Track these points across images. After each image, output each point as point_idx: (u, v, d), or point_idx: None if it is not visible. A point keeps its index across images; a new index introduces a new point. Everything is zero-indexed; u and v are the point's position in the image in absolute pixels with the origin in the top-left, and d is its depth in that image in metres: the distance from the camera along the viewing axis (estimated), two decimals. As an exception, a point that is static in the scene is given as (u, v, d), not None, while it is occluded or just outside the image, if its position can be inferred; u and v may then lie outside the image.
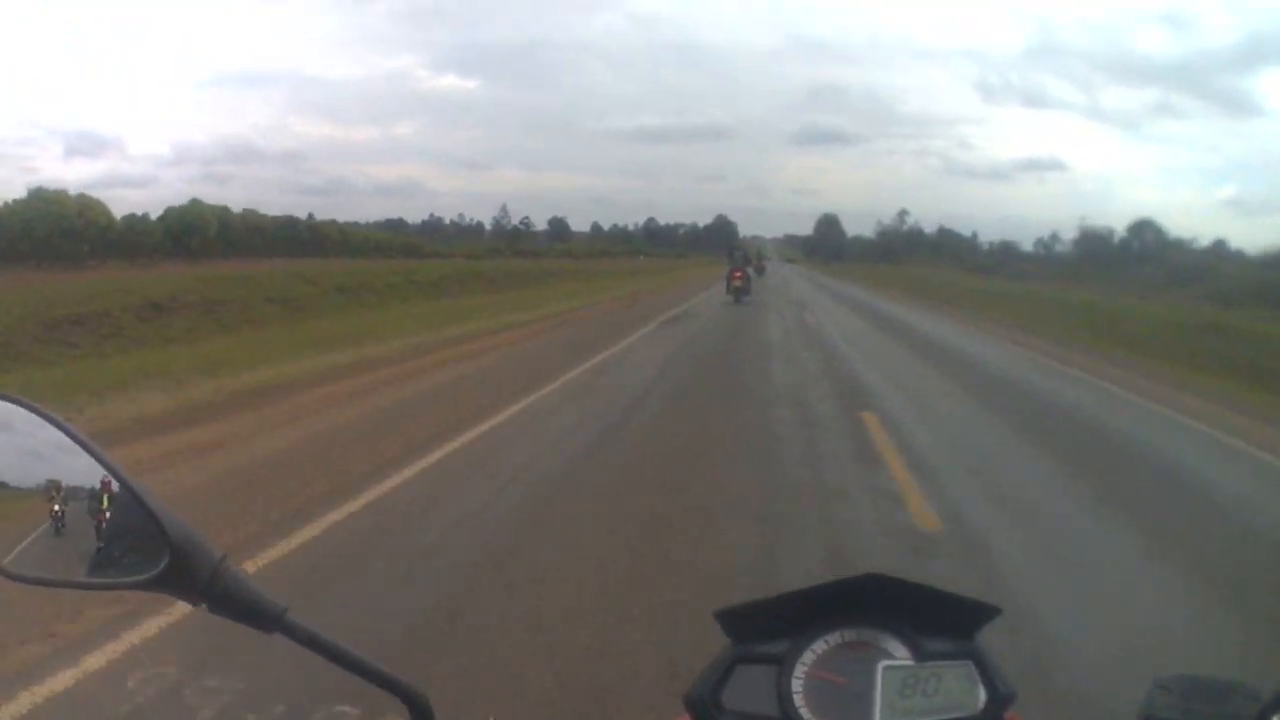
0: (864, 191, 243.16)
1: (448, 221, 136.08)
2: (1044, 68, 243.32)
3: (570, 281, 37.51)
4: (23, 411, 0.73)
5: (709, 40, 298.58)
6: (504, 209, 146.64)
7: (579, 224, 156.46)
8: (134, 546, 0.70)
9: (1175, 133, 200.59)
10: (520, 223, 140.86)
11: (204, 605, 0.69)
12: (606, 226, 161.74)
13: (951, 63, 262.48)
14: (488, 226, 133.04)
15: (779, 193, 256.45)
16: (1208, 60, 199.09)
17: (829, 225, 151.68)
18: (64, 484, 0.72)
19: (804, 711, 0.83)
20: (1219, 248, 63.06)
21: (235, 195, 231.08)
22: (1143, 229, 72.63)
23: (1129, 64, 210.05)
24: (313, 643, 0.71)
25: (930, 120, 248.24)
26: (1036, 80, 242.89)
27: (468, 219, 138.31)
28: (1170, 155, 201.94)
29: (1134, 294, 36.54)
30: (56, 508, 0.72)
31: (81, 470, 0.71)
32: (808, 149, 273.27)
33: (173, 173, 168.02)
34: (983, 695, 0.84)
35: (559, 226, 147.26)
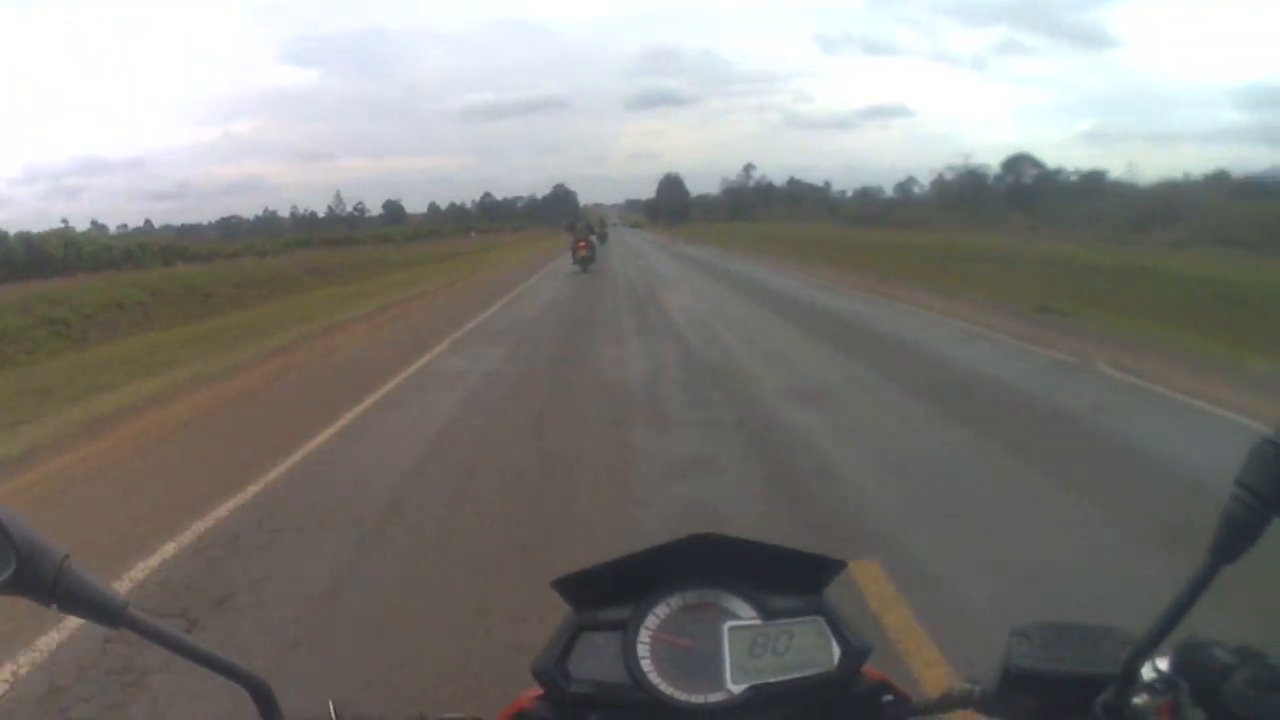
0: (706, 151, 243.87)
1: (283, 214, 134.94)
2: (884, 15, 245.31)
3: (368, 279, 28.89)
4: None
5: (541, 13, 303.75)
6: (338, 196, 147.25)
7: (418, 205, 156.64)
8: None
9: (1026, 71, 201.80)
10: (355, 208, 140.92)
11: (54, 605, 0.68)
12: (445, 206, 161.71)
13: (788, 18, 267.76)
14: (321, 215, 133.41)
15: (618, 159, 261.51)
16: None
17: (672, 186, 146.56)
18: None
19: (652, 676, 0.81)
20: (1097, 179, 59.92)
21: (84, 208, 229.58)
22: (1019, 164, 68.74)
23: (972, 4, 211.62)
24: (155, 635, 0.70)
25: (769, 76, 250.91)
26: (877, 29, 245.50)
27: (301, 209, 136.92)
28: (1023, 93, 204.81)
29: (1108, 242, 28.10)
30: None
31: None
32: (645, 113, 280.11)
33: (23, 191, 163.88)
34: (837, 650, 0.82)
35: (394, 209, 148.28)
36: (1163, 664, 0.70)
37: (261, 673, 0.72)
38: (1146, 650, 0.66)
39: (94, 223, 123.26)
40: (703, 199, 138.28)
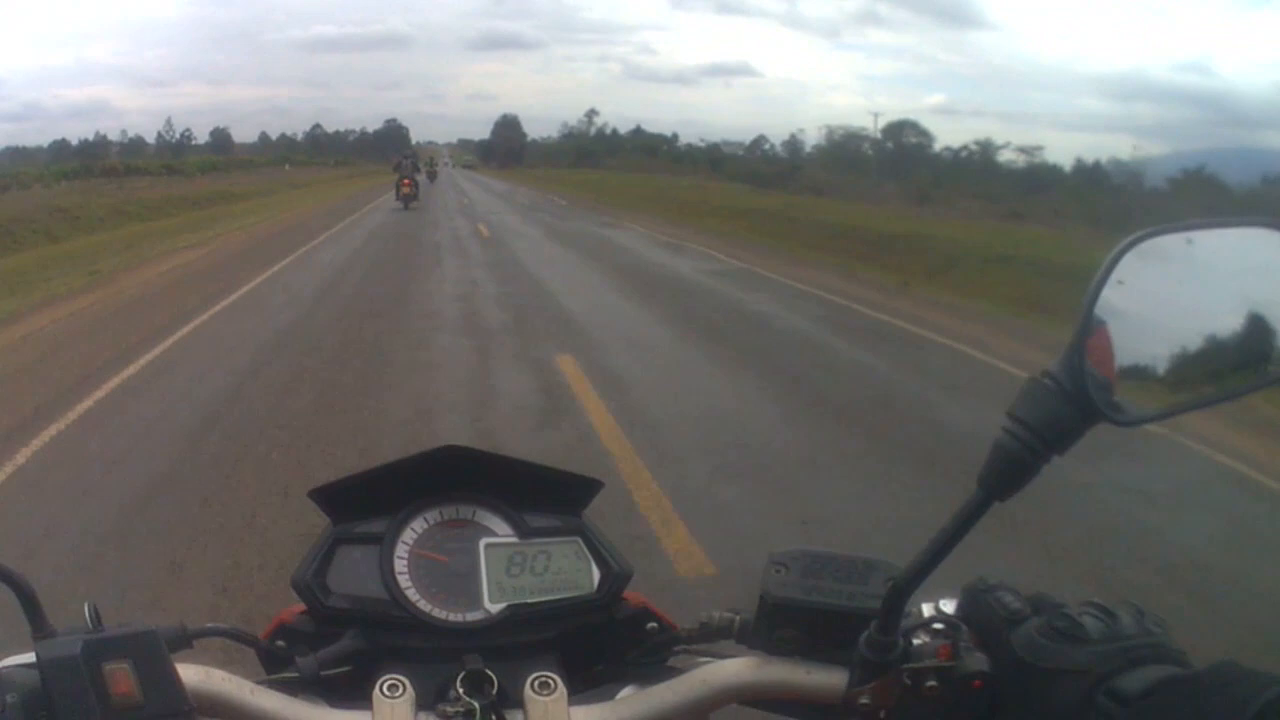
0: (545, 97, 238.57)
1: (114, 139, 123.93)
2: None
3: (128, 226, 24.07)
4: None
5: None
6: (168, 122, 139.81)
7: (249, 135, 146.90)
8: None
9: (881, 41, 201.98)
10: (182, 135, 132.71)
11: None
12: (275, 136, 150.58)
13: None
14: (150, 141, 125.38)
15: (456, 99, 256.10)
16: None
17: (508, 127, 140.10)
18: None
19: (410, 592, 0.79)
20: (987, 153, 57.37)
21: None
22: (901, 130, 66.18)
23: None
24: None
25: (615, 27, 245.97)
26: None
27: (130, 135, 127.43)
28: (875, 63, 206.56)
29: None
30: None
31: None
32: (487, 55, 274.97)
33: None
34: (597, 574, 0.81)
35: (221, 138, 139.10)
36: (948, 605, 0.69)
37: None
38: (909, 585, 0.63)
39: None
40: (541, 143, 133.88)
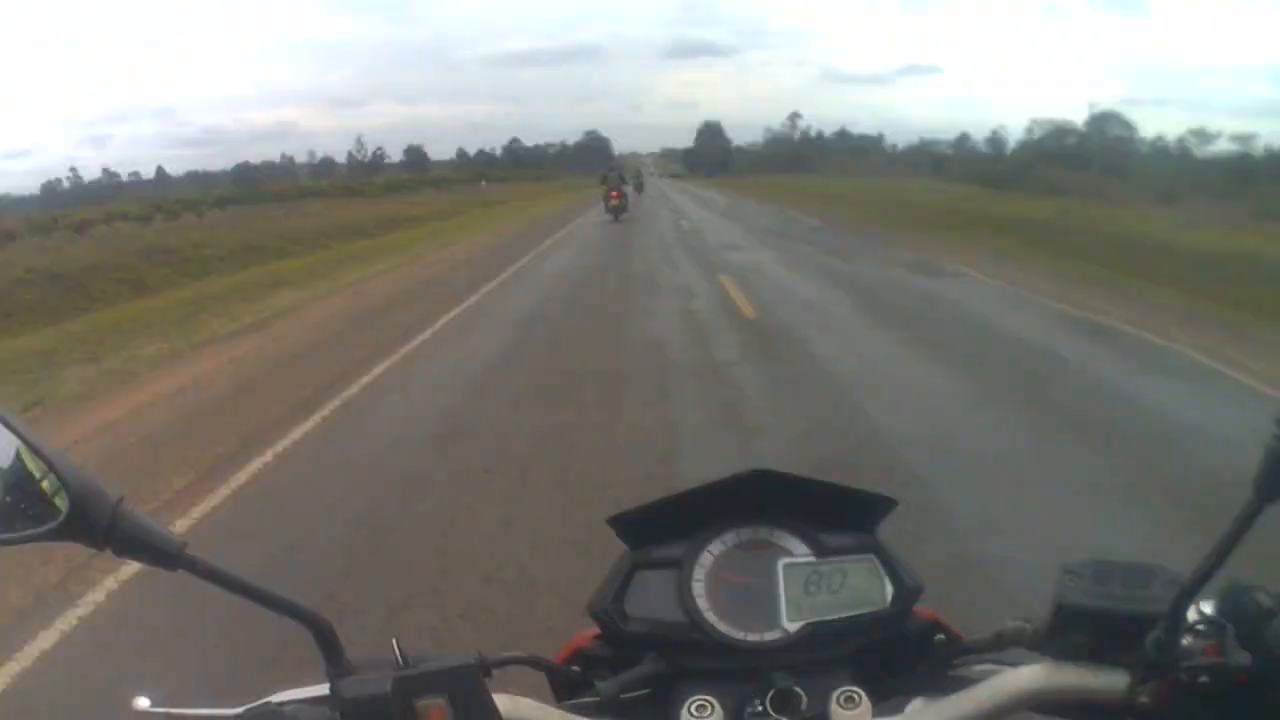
0: (745, 103, 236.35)
1: (300, 160, 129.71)
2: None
3: (238, 273, 17.95)
4: None
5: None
6: (359, 141, 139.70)
7: (445, 152, 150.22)
8: (35, 499, 0.66)
9: (1061, 34, 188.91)
10: (374, 154, 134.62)
11: (108, 550, 0.65)
12: (473, 152, 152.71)
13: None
14: (341, 161, 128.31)
15: (654, 108, 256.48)
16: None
17: (712, 134, 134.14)
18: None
19: (708, 615, 0.81)
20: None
21: (112, 156, 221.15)
22: (1105, 122, 57.74)
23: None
24: (214, 575, 0.67)
25: (805, 30, 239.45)
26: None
27: (319, 156, 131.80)
28: (1056, 56, 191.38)
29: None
30: None
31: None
32: (681, 63, 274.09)
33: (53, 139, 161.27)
34: (890, 589, 0.82)
35: (416, 156, 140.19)
36: (1206, 607, 0.70)
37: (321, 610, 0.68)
38: (1195, 588, 0.65)
39: (105, 170, 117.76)
40: (746, 149, 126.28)
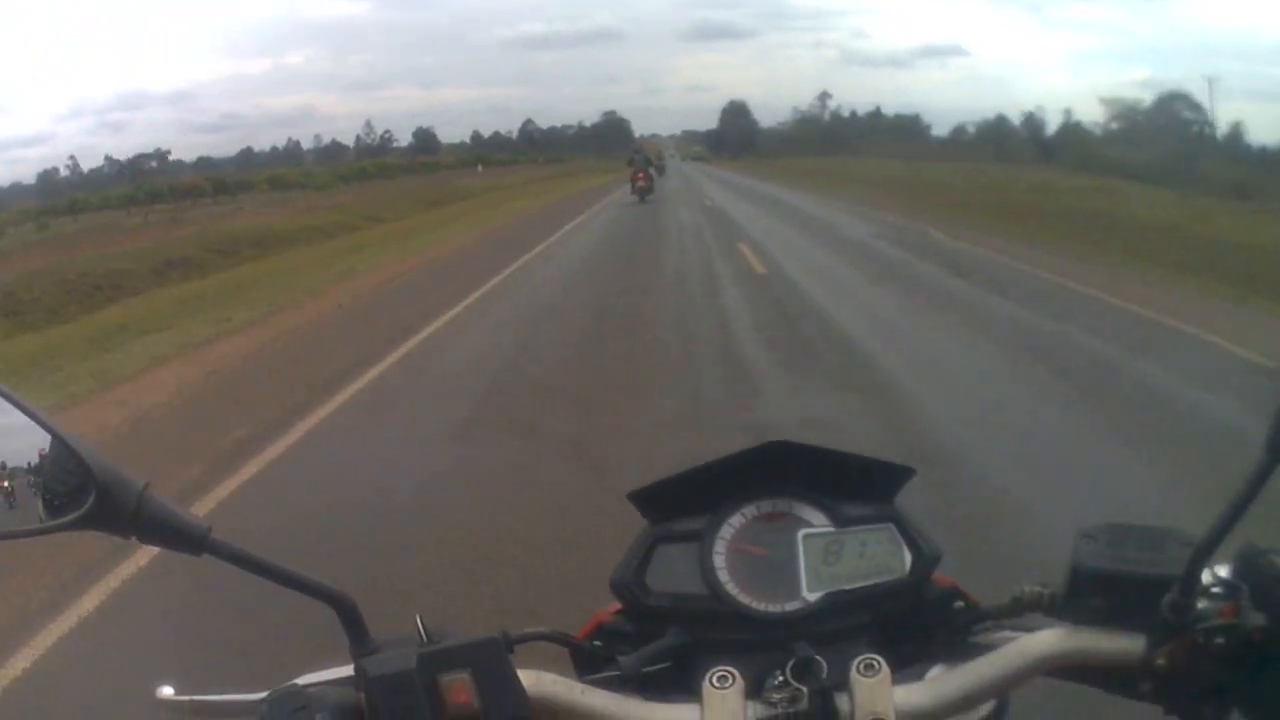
0: (766, 86, 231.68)
1: (307, 146, 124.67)
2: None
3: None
4: None
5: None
6: (368, 124, 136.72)
7: (461, 134, 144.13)
8: (61, 489, 0.67)
9: (1086, 16, 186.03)
10: (383, 137, 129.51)
11: (133, 537, 0.67)
12: (488, 135, 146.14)
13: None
14: (349, 145, 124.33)
15: (674, 91, 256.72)
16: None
17: (736, 114, 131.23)
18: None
19: (730, 586, 0.81)
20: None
21: (130, 143, 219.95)
22: (1172, 103, 55.38)
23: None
24: (238, 559, 0.68)
25: (825, 12, 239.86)
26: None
27: (325, 140, 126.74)
28: (1081, 39, 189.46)
29: None
30: (5, 483, 0.71)
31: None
32: (700, 46, 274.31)
33: (68, 126, 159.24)
34: (908, 557, 0.82)
35: (424, 138, 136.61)
36: (1221, 569, 0.70)
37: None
38: (1209, 550, 0.66)
39: (107, 158, 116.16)
40: (772, 130, 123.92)
